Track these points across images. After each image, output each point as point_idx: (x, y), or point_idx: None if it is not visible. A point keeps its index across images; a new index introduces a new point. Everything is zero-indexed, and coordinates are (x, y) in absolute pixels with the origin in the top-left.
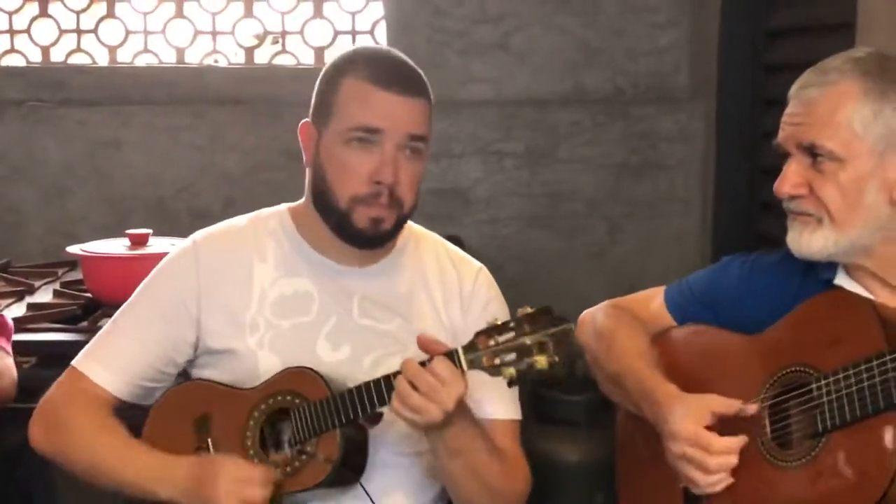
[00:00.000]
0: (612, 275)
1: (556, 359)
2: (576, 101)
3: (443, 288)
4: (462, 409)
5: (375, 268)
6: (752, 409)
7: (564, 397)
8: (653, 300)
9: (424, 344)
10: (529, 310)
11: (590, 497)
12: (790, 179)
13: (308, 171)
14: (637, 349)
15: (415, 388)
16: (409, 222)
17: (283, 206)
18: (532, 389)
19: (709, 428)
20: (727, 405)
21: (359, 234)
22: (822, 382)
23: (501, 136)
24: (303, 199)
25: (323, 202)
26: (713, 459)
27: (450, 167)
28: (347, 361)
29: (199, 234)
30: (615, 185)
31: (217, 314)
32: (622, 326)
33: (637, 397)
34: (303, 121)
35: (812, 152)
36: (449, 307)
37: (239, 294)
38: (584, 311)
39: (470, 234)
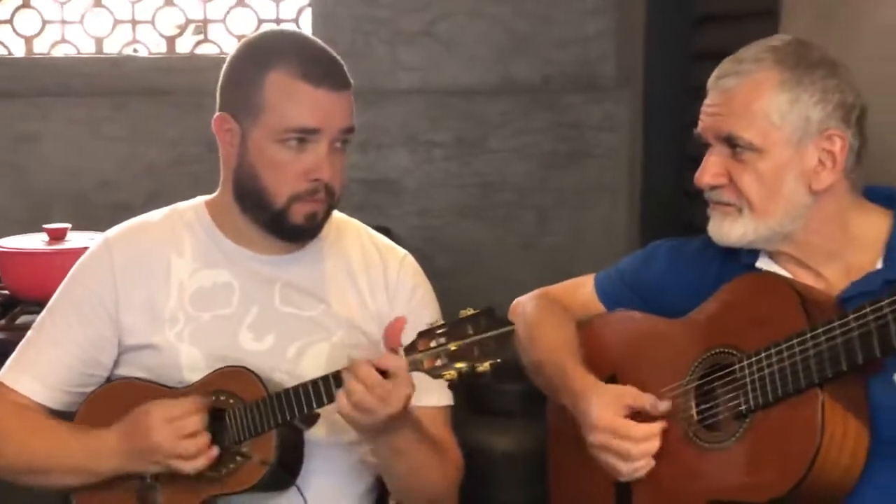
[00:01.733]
0: (544, 264)
1: (498, 360)
2: (504, 91)
3: (368, 275)
4: (407, 411)
5: (296, 255)
6: (662, 406)
7: (499, 387)
8: (583, 288)
9: (394, 335)
10: (471, 311)
11: (526, 487)
12: (710, 170)
13: (229, 167)
14: (560, 338)
15: (366, 388)
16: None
17: (200, 199)
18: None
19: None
20: (640, 399)
21: (295, 229)
22: (746, 363)
23: (430, 126)
24: (218, 191)
25: (254, 201)
26: (634, 447)
27: (378, 158)
28: (272, 351)
29: (111, 233)
30: (545, 174)
31: (136, 311)
32: (548, 316)
33: (556, 386)
34: (218, 113)
35: (731, 143)
36: (375, 294)
37: (157, 289)
38: (515, 300)
39: (400, 226)
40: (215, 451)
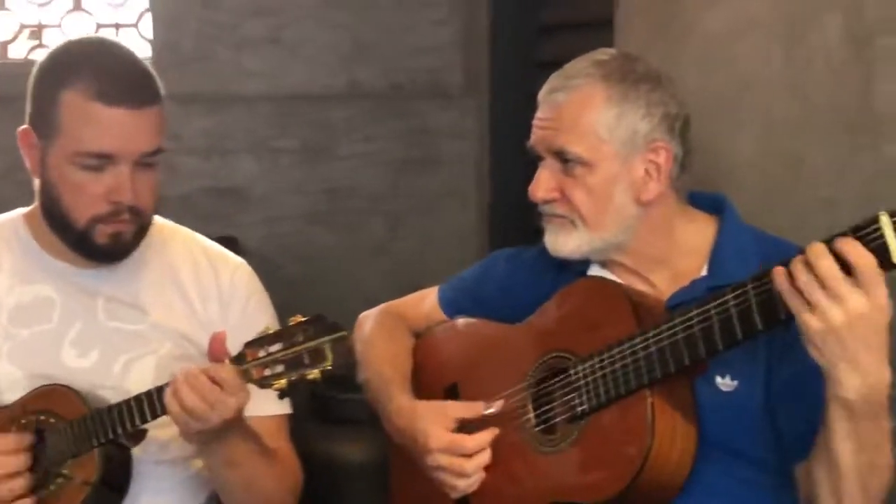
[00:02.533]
0: (395, 271)
1: (330, 367)
2: (352, 97)
3: (198, 286)
4: (239, 420)
5: (118, 267)
6: (494, 407)
7: (347, 396)
8: (426, 300)
9: (217, 347)
10: (301, 318)
11: (375, 496)
12: (542, 185)
13: (36, 182)
14: (390, 355)
15: (196, 393)
16: (158, 218)
17: (18, 212)
18: (314, 389)
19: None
20: (468, 409)
21: (100, 250)
22: (580, 367)
23: (277, 133)
24: (35, 204)
25: (58, 221)
26: (469, 462)
27: (223, 165)
28: (96, 367)
29: None
30: (394, 180)
31: None
32: (383, 332)
33: (380, 404)
34: (23, 126)
35: (562, 157)
36: (206, 306)
37: None
38: (361, 315)
39: (247, 235)
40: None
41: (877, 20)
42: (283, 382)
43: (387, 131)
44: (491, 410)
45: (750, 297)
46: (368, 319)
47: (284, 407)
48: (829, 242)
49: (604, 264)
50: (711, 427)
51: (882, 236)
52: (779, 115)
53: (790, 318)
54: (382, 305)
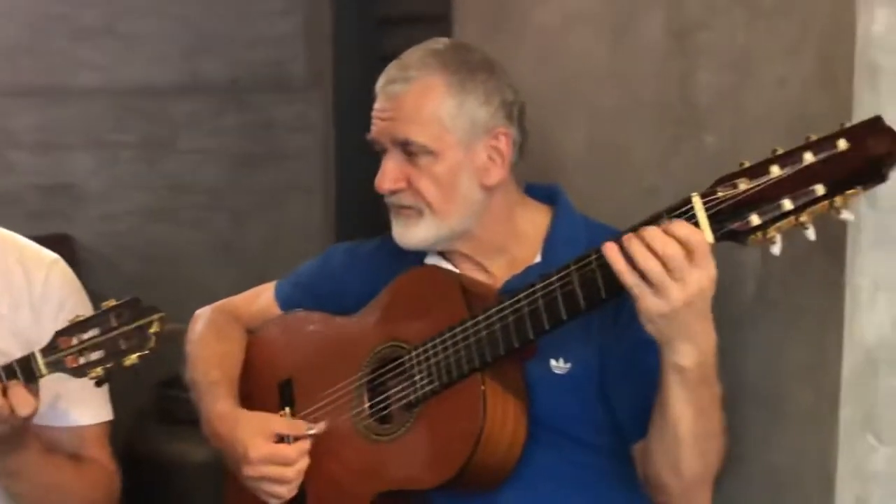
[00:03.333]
0: (240, 268)
1: (146, 353)
2: (193, 90)
3: (9, 292)
4: (20, 430)
5: None
6: (317, 428)
7: (190, 396)
8: (262, 296)
9: None
10: (114, 302)
11: (220, 496)
12: (389, 175)
13: None
14: (219, 355)
15: None
16: None
17: None
18: (157, 389)
19: None
20: (291, 427)
21: None
22: (413, 354)
23: (114, 127)
24: None
25: None
26: (290, 470)
27: (58, 160)
28: None
29: None
30: (237, 176)
31: None
32: (213, 330)
33: (204, 406)
34: None
35: (406, 147)
36: (18, 314)
37: None
38: (196, 312)
39: (83, 233)
40: None
41: (695, 15)
42: (99, 371)
43: (229, 125)
44: (313, 431)
45: (573, 278)
46: (201, 318)
47: (105, 413)
48: (649, 224)
49: (442, 254)
50: (545, 409)
51: (695, 217)
52: (606, 107)
53: (611, 296)
54: (216, 303)
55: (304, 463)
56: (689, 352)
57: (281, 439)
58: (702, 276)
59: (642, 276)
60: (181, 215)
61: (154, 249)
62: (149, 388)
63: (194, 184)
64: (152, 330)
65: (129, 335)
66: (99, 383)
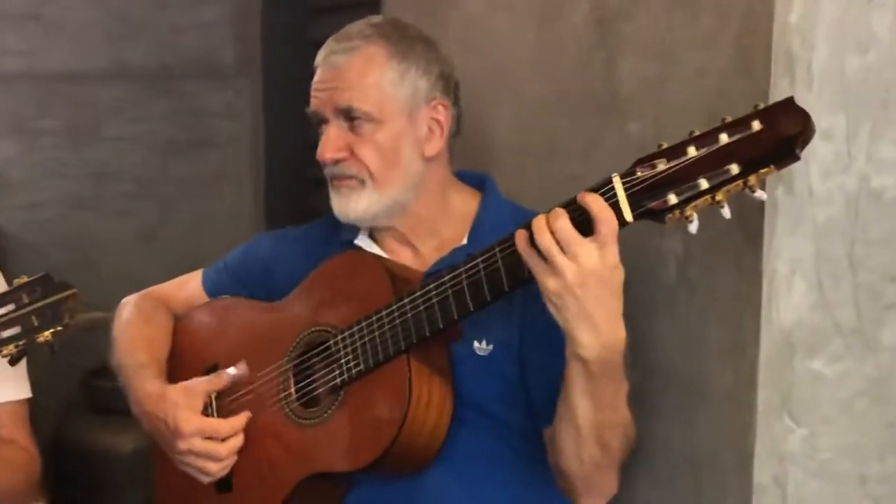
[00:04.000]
0: (167, 257)
1: (61, 328)
2: (118, 77)
3: None
4: None
5: None
6: (240, 369)
7: (119, 385)
8: (189, 283)
9: None
10: (26, 278)
11: (148, 486)
12: (331, 144)
13: None
14: (146, 339)
15: None
16: None
17: None
18: (84, 379)
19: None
20: (214, 381)
21: None
22: (339, 337)
23: (37, 113)
24: None
25: None
26: (223, 446)
27: None
28: None
29: None
30: (164, 163)
31: None
32: (140, 316)
33: (131, 389)
34: None
35: (349, 115)
36: None
37: None
38: (123, 300)
39: (7, 221)
40: None
41: (618, 4)
42: (11, 348)
43: (156, 112)
44: (236, 372)
45: (497, 258)
46: (127, 305)
47: (23, 391)
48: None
49: (371, 234)
50: (469, 391)
51: (615, 196)
52: (532, 95)
53: (532, 277)
54: (143, 291)
55: (236, 441)
56: (590, 343)
57: (218, 413)
58: (594, 256)
59: (539, 253)
60: (106, 204)
61: (80, 238)
62: (76, 378)
63: (120, 172)
64: (67, 306)
65: (41, 311)
66: (12, 361)
